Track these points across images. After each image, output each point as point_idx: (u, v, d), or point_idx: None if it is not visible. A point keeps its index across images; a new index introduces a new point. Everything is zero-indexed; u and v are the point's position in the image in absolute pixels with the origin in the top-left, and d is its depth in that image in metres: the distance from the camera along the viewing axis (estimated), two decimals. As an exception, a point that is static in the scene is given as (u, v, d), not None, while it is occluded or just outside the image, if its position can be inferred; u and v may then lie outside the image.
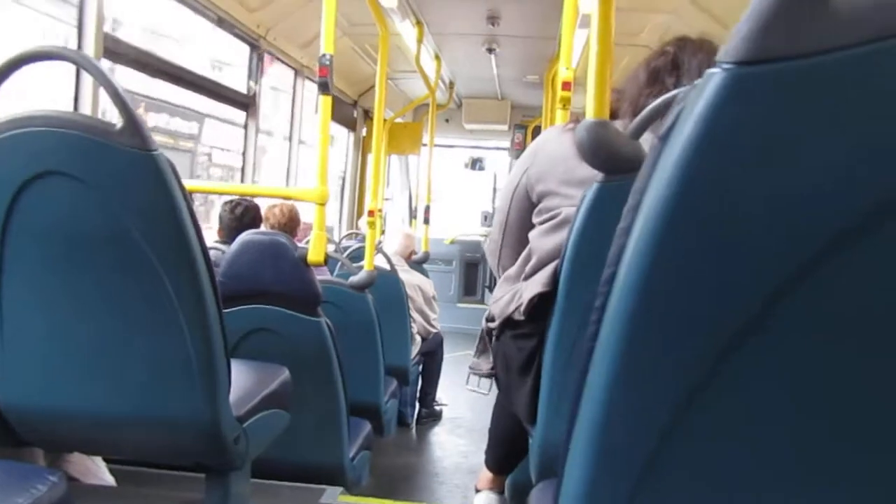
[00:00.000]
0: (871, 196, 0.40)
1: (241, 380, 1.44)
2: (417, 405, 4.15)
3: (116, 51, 2.58)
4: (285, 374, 1.65)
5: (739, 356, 0.45)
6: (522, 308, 1.37)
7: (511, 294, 1.45)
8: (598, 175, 1.13)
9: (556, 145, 1.46)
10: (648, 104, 1.11)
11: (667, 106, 0.98)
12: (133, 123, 1.11)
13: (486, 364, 1.60)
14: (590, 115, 1.17)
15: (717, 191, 0.43)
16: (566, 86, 2.27)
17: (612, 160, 1.08)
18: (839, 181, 0.41)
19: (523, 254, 1.50)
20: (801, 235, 0.42)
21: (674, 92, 0.44)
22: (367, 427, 2.62)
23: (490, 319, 1.53)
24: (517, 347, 1.44)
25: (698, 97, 0.42)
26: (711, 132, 0.42)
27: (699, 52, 1.37)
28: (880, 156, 0.40)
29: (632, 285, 0.46)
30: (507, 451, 1.89)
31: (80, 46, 2.28)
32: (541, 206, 1.46)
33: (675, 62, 1.37)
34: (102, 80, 1.16)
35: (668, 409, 0.48)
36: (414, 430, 4.04)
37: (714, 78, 0.41)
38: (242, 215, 3.04)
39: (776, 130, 0.41)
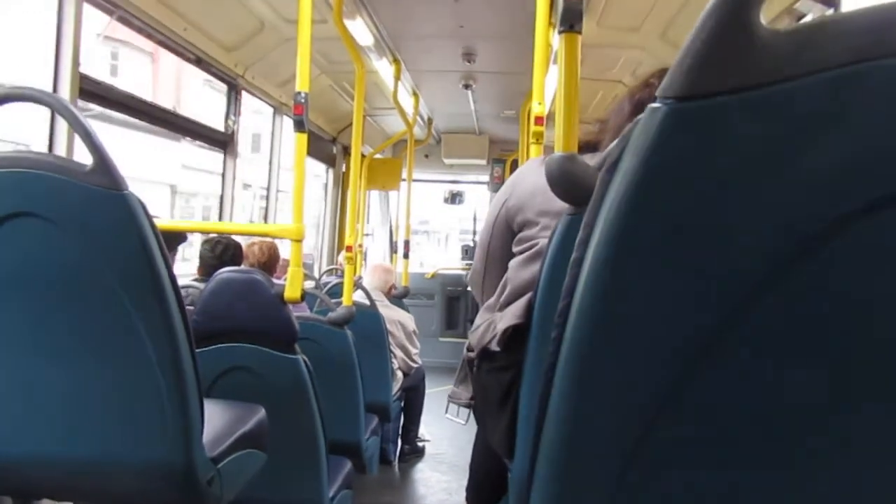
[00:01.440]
0: (803, 223, 0.42)
1: (215, 420, 1.42)
2: (400, 442, 4.10)
3: (93, 91, 2.59)
4: (261, 413, 1.63)
5: (692, 381, 0.46)
6: (497, 339, 1.37)
7: (487, 324, 1.45)
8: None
9: (535, 177, 1.48)
10: None
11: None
12: (104, 163, 1.12)
13: (465, 393, 1.59)
14: (559, 149, 1.19)
15: (661, 220, 0.44)
16: (539, 120, 2.31)
17: (580, 192, 1.10)
18: (772, 209, 0.42)
19: (500, 284, 1.50)
20: (740, 261, 0.43)
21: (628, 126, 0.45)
22: (347, 465, 2.59)
23: (470, 349, 1.53)
24: (494, 380, 1.43)
25: (641, 132, 0.43)
26: (653, 165, 0.43)
27: None
28: (809, 185, 0.41)
29: (585, 315, 0.47)
30: (487, 486, 1.86)
31: (55, 87, 2.29)
32: (520, 235, 1.48)
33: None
34: (73, 121, 1.16)
35: (627, 437, 0.49)
36: (396, 468, 3.99)
37: (654, 113, 0.43)
38: (222, 253, 3.02)
39: (712, 162, 0.42)
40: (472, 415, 1.65)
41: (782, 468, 0.48)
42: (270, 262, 3.27)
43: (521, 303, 1.38)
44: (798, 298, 0.43)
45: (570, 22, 1.18)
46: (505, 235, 1.53)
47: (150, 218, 1.16)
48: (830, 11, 2.40)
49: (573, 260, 0.49)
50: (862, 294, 0.44)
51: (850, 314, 0.44)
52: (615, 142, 0.46)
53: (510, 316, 1.36)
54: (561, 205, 1.40)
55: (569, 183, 1.11)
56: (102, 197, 1.12)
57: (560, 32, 1.19)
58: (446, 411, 1.74)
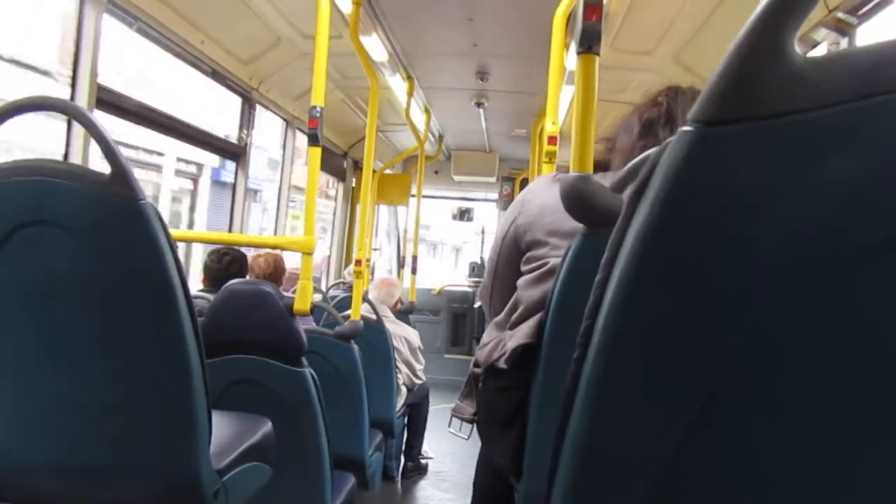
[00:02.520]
0: (838, 252, 0.41)
1: (222, 431, 1.42)
2: (403, 458, 4.08)
3: (109, 101, 2.61)
4: (268, 425, 1.63)
5: (717, 411, 0.45)
6: (505, 357, 1.37)
7: (496, 342, 1.44)
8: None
9: (545, 196, 1.48)
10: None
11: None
12: (122, 173, 1.12)
13: (469, 408, 1.58)
14: (574, 170, 1.19)
15: (688, 245, 0.44)
16: (552, 140, 2.31)
17: (594, 213, 1.10)
18: (800, 236, 0.42)
19: (510, 302, 1.50)
20: (772, 290, 0.43)
21: (651, 150, 0.45)
22: (350, 480, 2.57)
23: (476, 365, 1.52)
24: (501, 399, 1.42)
25: (670, 155, 0.43)
26: (681, 189, 0.43)
27: (691, 103, 1.40)
28: (841, 214, 0.41)
29: (609, 336, 0.46)
30: (491, 506, 1.85)
31: (73, 97, 2.31)
32: (529, 254, 1.47)
33: (670, 114, 1.39)
34: (93, 130, 1.17)
35: (649, 463, 0.48)
36: (399, 484, 3.96)
37: (684, 136, 0.43)
38: (229, 265, 3.03)
39: (742, 189, 0.42)
40: (473, 432, 1.64)
41: (817, 495, 0.47)
42: (276, 274, 3.27)
43: (531, 322, 1.37)
44: (831, 331, 0.43)
45: (589, 43, 1.19)
46: (513, 254, 1.53)
47: (165, 228, 1.17)
48: (845, 40, 2.41)
49: (598, 280, 0.48)
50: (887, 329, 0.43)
51: (876, 347, 0.44)
52: (632, 163, 0.46)
53: (520, 335, 1.36)
54: (571, 224, 1.40)
55: (583, 204, 1.11)
56: (119, 206, 1.12)
57: (578, 53, 1.20)
58: (449, 425, 1.74)
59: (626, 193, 1.13)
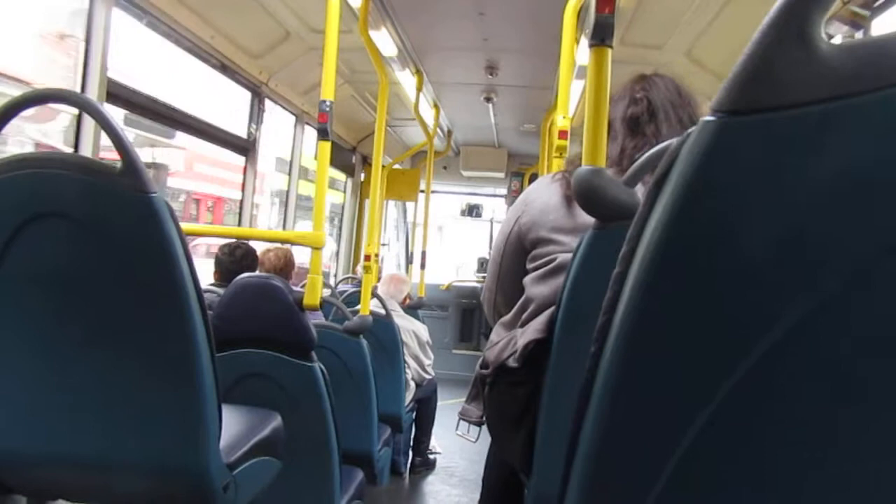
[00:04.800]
0: (861, 244, 0.40)
1: (232, 425, 1.42)
2: (411, 453, 4.08)
3: (119, 95, 2.62)
4: (277, 420, 1.63)
5: (738, 406, 0.44)
6: (517, 355, 1.36)
7: (506, 340, 1.44)
8: (589, 222, 1.14)
9: (547, 194, 1.48)
10: (636, 158, 1.12)
11: (660, 156, 0.99)
12: (133, 166, 1.12)
13: (476, 411, 1.58)
14: (586, 163, 1.18)
15: (711, 237, 0.43)
16: (562, 134, 2.30)
17: (607, 207, 1.09)
18: (829, 231, 0.41)
19: (520, 301, 1.49)
20: (794, 283, 0.42)
21: (669, 142, 0.44)
22: (359, 475, 2.57)
23: (484, 366, 1.52)
24: (512, 395, 1.42)
25: (691, 145, 0.42)
26: (703, 180, 0.42)
27: (667, 92, 1.41)
28: (868, 206, 0.40)
29: (626, 331, 0.45)
30: (500, 501, 1.84)
31: (83, 90, 2.32)
32: (534, 252, 1.47)
33: (651, 108, 1.40)
34: (104, 123, 1.17)
35: (665, 461, 0.47)
36: (407, 480, 3.96)
37: (706, 126, 0.42)
38: (242, 258, 3.03)
39: (765, 180, 0.41)
40: (481, 432, 1.63)
41: (831, 495, 0.46)
42: (286, 268, 3.27)
43: (542, 318, 1.37)
44: (849, 321, 0.42)
45: (602, 36, 1.17)
46: (517, 252, 1.53)
47: (176, 221, 1.16)
48: (859, 33, 2.38)
49: (615, 275, 0.47)
50: None
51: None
52: (666, 155, 0.45)
53: (532, 330, 1.35)
54: (576, 220, 1.40)
55: (596, 197, 1.10)
56: (130, 199, 1.12)
57: (591, 46, 1.19)
58: (457, 428, 1.73)
59: (640, 186, 1.11)
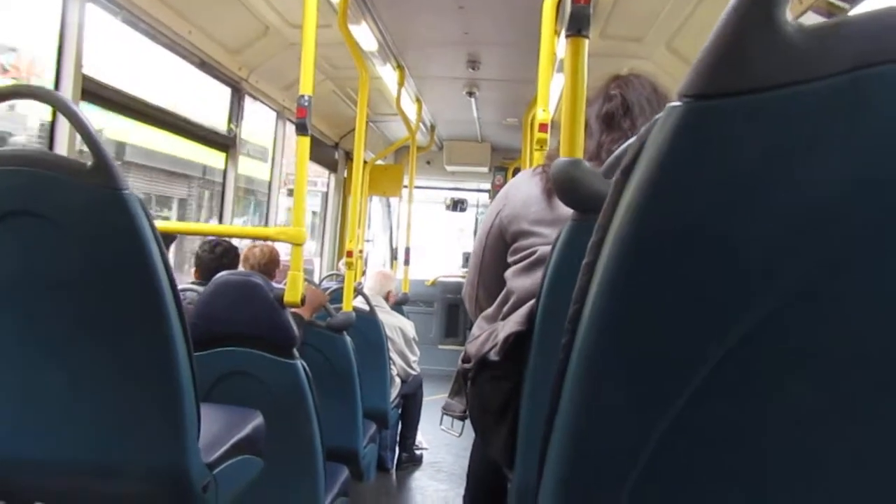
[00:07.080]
0: (837, 228, 0.40)
1: (212, 424, 1.40)
2: (397, 449, 4.07)
3: (95, 92, 2.58)
4: (258, 418, 1.61)
5: (707, 390, 0.44)
6: (497, 348, 1.35)
7: (487, 334, 1.43)
8: (570, 214, 1.13)
9: (528, 188, 1.49)
10: (613, 150, 1.12)
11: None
12: (103, 162, 1.10)
13: (459, 405, 1.58)
14: (564, 154, 1.18)
15: (677, 222, 0.42)
16: (543, 127, 2.30)
17: (585, 198, 1.09)
18: (797, 217, 0.40)
19: (501, 294, 1.49)
20: (756, 265, 0.41)
21: (644, 127, 0.44)
22: (344, 472, 2.56)
23: (465, 360, 1.51)
24: (493, 389, 1.41)
25: (658, 132, 0.42)
26: (671, 166, 0.41)
27: (642, 89, 1.43)
28: (840, 189, 0.40)
29: (596, 320, 0.45)
30: (485, 496, 1.84)
31: (57, 86, 2.28)
32: (515, 245, 1.47)
33: (626, 104, 1.41)
34: (76, 121, 1.15)
35: (639, 451, 0.47)
36: (394, 475, 3.96)
37: (673, 112, 0.41)
38: (223, 255, 3.00)
39: (733, 164, 0.41)
40: (465, 426, 1.64)
41: (801, 482, 0.46)
42: (271, 264, 3.24)
43: (522, 310, 1.36)
44: (820, 307, 0.42)
45: (578, 26, 1.17)
46: (499, 246, 1.53)
47: (150, 218, 1.15)
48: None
49: (585, 264, 0.47)
50: (881, 308, 0.42)
51: (871, 326, 0.42)
52: (623, 146, 0.44)
53: (512, 323, 1.35)
54: (556, 213, 1.40)
55: (574, 188, 1.10)
56: (102, 196, 1.11)
57: (567, 37, 1.18)
58: (440, 423, 1.73)
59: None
